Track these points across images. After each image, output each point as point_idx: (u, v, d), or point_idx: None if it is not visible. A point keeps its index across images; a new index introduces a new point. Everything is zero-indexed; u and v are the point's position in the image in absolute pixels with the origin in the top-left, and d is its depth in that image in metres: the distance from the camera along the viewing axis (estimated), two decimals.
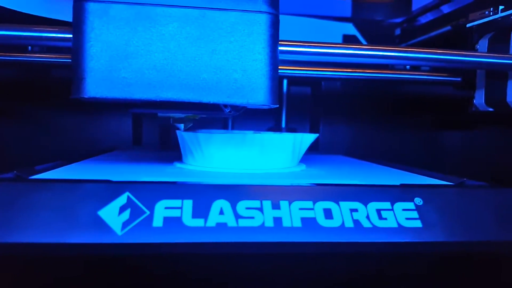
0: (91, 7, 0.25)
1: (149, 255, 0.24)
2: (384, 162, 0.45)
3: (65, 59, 0.45)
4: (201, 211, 0.25)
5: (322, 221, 0.25)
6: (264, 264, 0.25)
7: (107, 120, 0.58)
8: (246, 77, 0.27)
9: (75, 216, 0.24)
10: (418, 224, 0.26)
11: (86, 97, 0.26)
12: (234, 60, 0.26)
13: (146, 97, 0.26)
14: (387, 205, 0.26)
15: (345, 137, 0.62)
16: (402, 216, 0.26)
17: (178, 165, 0.38)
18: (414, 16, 0.58)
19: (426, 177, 0.35)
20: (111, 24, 0.26)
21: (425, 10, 0.55)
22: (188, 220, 0.24)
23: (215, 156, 0.36)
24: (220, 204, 0.25)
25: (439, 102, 0.56)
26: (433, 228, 0.26)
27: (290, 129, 0.61)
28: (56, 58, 0.45)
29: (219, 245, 0.23)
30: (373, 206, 0.26)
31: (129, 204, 0.25)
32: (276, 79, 0.27)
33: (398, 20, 0.60)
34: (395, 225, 0.25)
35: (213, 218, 0.24)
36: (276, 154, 0.37)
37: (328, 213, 0.25)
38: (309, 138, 0.39)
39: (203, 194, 0.25)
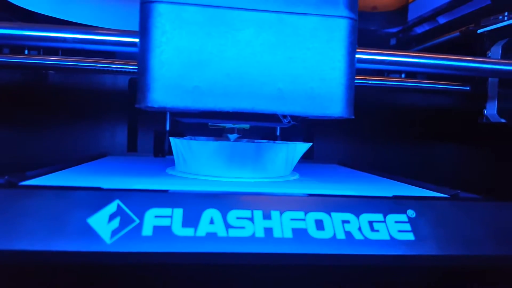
0: (162, 8, 0.23)
1: (138, 265, 0.24)
2: (377, 172, 0.45)
3: (63, 61, 0.45)
4: (191, 220, 0.24)
5: (314, 232, 0.25)
6: (254, 275, 0.25)
7: (102, 126, 0.58)
8: (324, 87, 0.24)
9: (64, 224, 0.24)
10: (410, 236, 0.25)
11: (154, 106, 0.24)
12: (312, 68, 0.24)
13: (219, 108, 0.24)
14: (379, 217, 0.26)
15: (339, 146, 0.62)
16: (395, 228, 0.26)
17: (170, 172, 0.38)
18: (410, 26, 0.58)
19: (419, 188, 0.35)
20: (184, 28, 0.23)
21: (421, 20, 0.55)
22: (178, 229, 0.24)
23: (208, 164, 0.36)
24: (211, 213, 0.25)
25: (441, 113, 0.55)
26: (425, 241, 0.25)
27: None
28: (55, 60, 0.45)
29: (209, 256, 0.23)
30: (365, 217, 0.26)
31: (119, 212, 0.24)
32: (353, 89, 0.25)
33: (394, 30, 0.60)
34: (387, 238, 0.25)
35: (203, 228, 0.24)
36: (269, 163, 0.37)
37: (319, 224, 0.25)
38: (302, 147, 0.39)
39: (193, 203, 0.25)
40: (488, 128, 0.42)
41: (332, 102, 0.25)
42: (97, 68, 0.45)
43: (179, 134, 0.60)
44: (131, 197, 0.25)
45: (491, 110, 0.38)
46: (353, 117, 0.26)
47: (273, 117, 0.29)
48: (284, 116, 0.29)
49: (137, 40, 0.25)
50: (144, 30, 0.23)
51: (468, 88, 0.42)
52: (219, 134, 0.42)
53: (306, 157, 0.43)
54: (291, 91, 0.24)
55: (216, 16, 0.23)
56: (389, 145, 0.61)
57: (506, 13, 0.35)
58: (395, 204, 0.27)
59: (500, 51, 0.37)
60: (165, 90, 0.23)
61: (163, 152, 0.58)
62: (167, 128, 0.59)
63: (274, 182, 0.35)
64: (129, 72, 0.51)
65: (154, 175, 0.36)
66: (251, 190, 0.30)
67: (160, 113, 0.59)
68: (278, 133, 0.63)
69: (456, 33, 0.43)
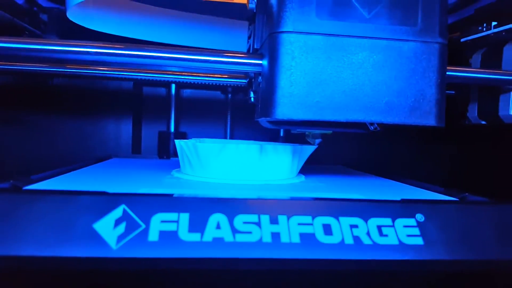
0: (293, 38, 0.28)
1: (144, 270, 0.23)
2: (384, 174, 0.45)
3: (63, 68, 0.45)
4: (197, 225, 0.24)
5: (322, 237, 0.24)
6: (261, 281, 0.24)
7: (106, 128, 0.58)
8: (423, 101, 0.29)
9: (70, 229, 0.23)
10: (419, 241, 0.25)
11: (284, 119, 0.28)
12: (413, 85, 0.29)
13: (335, 119, 0.29)
14: (388, 221, 0.26)
15: (345, 147, 0.61)
16: (403, 233, 0.25)
17: (176, 174, 0.38)
18: None
19: (426, 191, 0.35)
20: (310, 54, 0.28)
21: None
22: (185, 234, 0.24)
23: (213, 167, 0.35)
24: (217, 218, 0.24)
25: None
26: (435, 246, 0.25)
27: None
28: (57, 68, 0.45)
29: (216, 261, 0.23)
30: (374, 222, 0.25)
31: (124, 217, 0.24)
32: (444, 102, 0.30)
33: None
34: (396, 242, 0.25)
35: (210, 233, 0.24)
36: (275, 165, 0.36)
37: (327, 229, 0.25)
38: (308, 149, 0.39)
39: (200, 208, 0.25)
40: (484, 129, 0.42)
41: (429, 113, 0.29)
42: (102, 75, 0.45)
43: (183, 135, 0.60)
44: (137, 202, 0.25)
45: (472, 112, 0.41)
46: (443, 125, 0.30)
47: (363, 125, 0.34)
48: (371, 124, 0.33)
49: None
50: (274, 55, 0.28)
51: (452, 92, 0.44)
52: (301, 139, 0.44)
53: (311, 159, 0.43)
54: (396, 104, 0.29)
55: (336, 43, 0.28)
56: (392, 145, 0.61)
57: (484, 24, 0.38)
58: (403, 208, 0.27)
59: (480, 59, 0.40)
60: (292, 105, 0.28)
61: (168, 153, 0.58)
62: (172, 130, 0.59)
63: (280, 184, 0.35)
64: (132, 79, 0.51)
65: (160, 178, 0.35)
66: (257, 193, 0.30)
67: (164, 115, 0.59)
68: (281, 134, 0.62)
69: None
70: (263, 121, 0.35)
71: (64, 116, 0.57)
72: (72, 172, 0.38)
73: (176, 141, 0.37)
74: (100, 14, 0.42)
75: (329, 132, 0.39)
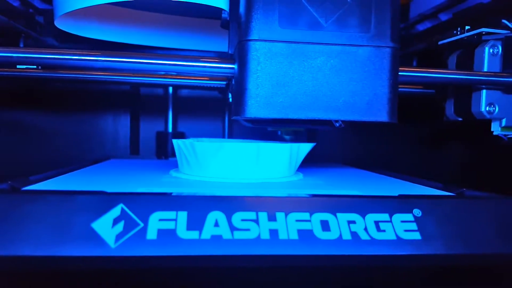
0: (258, 45, 0.30)
1: (143, 269, 0.23)
2: (381, 170, 0.45)
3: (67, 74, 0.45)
4: (195, 223, 0.24)
5: (319, 233, 0.24)
6: (260, 277, 0.24)
7: (104, 128, 0.58)
8: (376, 100, 0.32)
9: (68, 229, 0.23)
10: (417, 236, 0.25)
11: (250, 117, 0.31)
12: (367, 86, 0.32)
13: (297, 117, 0.31)
14: (385, 216, 0.26)
15: (342, 145, 0.62)
16: (401, 228, 0.25)
17: (174, 174, 0.38)
18: (412, 24, 0.57)
19: (423, 187, 0.35)
20: (274, 59, 0.31)
21: (423, 17, 0.55)
22: (183, 232, 0.24)
23: (211, 166, 0.36)
24: (215, 215, 0.25)
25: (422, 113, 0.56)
26: (432, 241, 0.25)
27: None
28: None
29: (214, 258, 0.23)
30: (371, 217, 0.26)
31: (123, 216, 0.24)
32: (396, 101, 0.33)
33: None
34: (394, 237, 0.25)
35: (208, 230, 0.24)
36: (273, 164, 0.36)
37: (325, 225, 0.25)
38: (306, 147, 0.39)
39: (197, 206, 0.25)
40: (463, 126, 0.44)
41: (381, 111, 0.32)
42: (93, 79, 0.46)
43: (181, 135, 0.60)
44: (135, 200, 0.25)
45: (449, 110, 0.44)
46: (396, 121, 0.33)
47: (329, 122, 0.37)
48: (336, 121, 0.36)
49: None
50: (242, 61, 0.31)
51: (433, 91, 0.47)
52: (275, 136, 0.46)
53: (310, 157, 0.43)
54: (352, 103, 0.32)
55: (296, 49, 0.31)
56: (391, 143, 0.61)
57: (459, 28, 0.41)
58: (401, 204, 0.27)
59: (455, 61, 0.43)
60: (258, 105, 0.31)
61: (166, 154, 0.58)
62: (170, 130, 0.59)
63: (278, 182, 0.35)
64: (127, 82, 0.52)
65: (158, 178, 0.36)
66: (255, 191, 0.30)
67: (162, 115, 0.59)
68: (279, 132, 0.63)
69: (423, 44, 0.49)
70: (241, 121, 0.38)
71: (61, 117, 0.57)
72: (70, 173, 0.38)
73: (174, 141, 0.37)
74: (87, 21, 0.43)
75: (301, 129, 0.42)
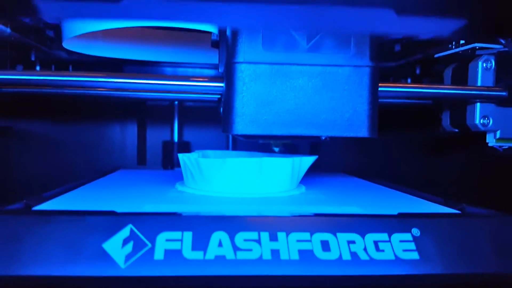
0: (243, 67, 0.33)
1: None
2: (383, 182, 0.46)
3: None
4: (200, 243, 0.25)
5: (320, 253, 0.25)
6: None
7: (112, 137, 0.59)
8: (356, 117, 0.34)
9: (80, 249, 0.25)
10: (415, 256, 0.26)
11: (237, 134, 0.34)
12: (347, 103, 0.33)
13: (281, 133, 0.33)
14: (384, 236, 0.27)
15: (345, 153, 0.62)
16: (399, 248, 0.26)
17: (179, 188, 0.39)
18: None
19: (425, 201, 0.36)
20: (258, 80, 0.33)
21: None
22: (188, 252, 0.25)
23: (215, 181, 0.37)
24: (219, 236, 0.26)
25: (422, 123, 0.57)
26: (430, 260, 0.26)
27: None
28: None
29: (218, 279, 0.24)
30: (371, 237, 0.26)
31: (132, 236, 0.25)
32: (376, 117, 0.34)
33: (399, 36, 0.60)
34: (392, 257, 0.26)
35: (212, 251, 0.25)
36: (275, 178, 0.37)
37: (325, 245, 0.26)
38: (307, 161, 0.40)
39: (202, 226, 0.26)
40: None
41: (361, 127, 0.34)
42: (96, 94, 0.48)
43: (186, 145, 0.61)
44: (143, 221, 0.26)
45: (445, 121, 0.45)
46: (376, 137, 0.35)
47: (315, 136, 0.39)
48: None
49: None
50: (230, 81, 0.33)
51: (430, 102, 0.48)
52: (266, 148, 0.47)
53: (314, 165, 0.44)
54: (333, 120, 0.33)
55: (280, 70, 0.33)
56: (394, 150, 0.61)
57: (453, 42, 0.42)
58: (399, 223, 0.28)
59: (450, 74, 0.45)
60: (244, 123, 0.33)
61: (172, 163, 0.59)
62: (175, 140, 0.61)
63: (281, 197, 0.36)
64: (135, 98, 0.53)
65: (164, 192, 0.37)
66: (258, 207, 0.31)
67: (168, 124, 0.60)
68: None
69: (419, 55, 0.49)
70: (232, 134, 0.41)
71: (70, 126, 0.58)
72: (82, 187, 0.39)
73: (180, 155, 0.38)
74: (93, 40, 0.45)
75: (288, 141, 0.44)
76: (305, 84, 0.33)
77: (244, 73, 0.33)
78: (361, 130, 0.34)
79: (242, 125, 0.33)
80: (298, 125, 0.33)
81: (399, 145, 0.61)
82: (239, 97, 0.33)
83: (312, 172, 0.43)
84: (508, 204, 0.33)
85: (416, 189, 0.41)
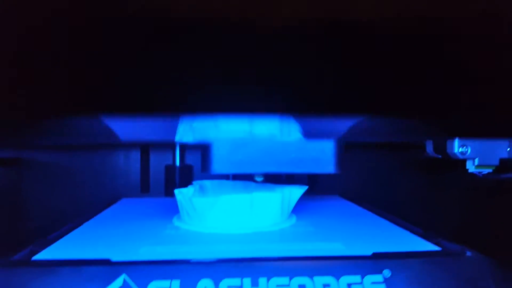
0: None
1: None
2: (374, 208, 0.48)
3: None
4: None
5: None
6: None
7: (116, 166, 0.62)
8: (322, 156, 0.38)
9: None
10: None
11: (215, 173, 0.38)
12: (316, 145, 0.38)
13: (253, 172, 0.38)
14: (357, 278, 0.29)
15: (342, 174, 0.64)
16: None
17: (176, 223, 0.42)
18: None
19: (405, 232, 0.38)
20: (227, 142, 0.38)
21: None
22: None
23: (209, 218, 0.39)
24: (205, 283, 0.28)
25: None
26: None
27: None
28: None
29: None
30: (345, 280, 0.29)
31: (125, 286, 0.28)
32: (342, 153, 0.38)
33: None
34: None
35: None
36: (266, 213, 0.40)
37: None
38: (297, 192, 0.42)
39: (189, 274, 0.28)
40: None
41: (328, 165, 0.38)
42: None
43: (189, 168, 0.64)
44: (135, 270, 0.28)
45: (429, 147, 0.47)
46: (340, 171, 0.38)
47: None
48: None
49: None
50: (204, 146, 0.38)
51: None
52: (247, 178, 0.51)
53: (309, 189, 0.47)
54: (301, 159, 0.38)
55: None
56: (389, 171, 0.63)
57: None
58: (373, 264, 0.30)
59: None
60: (221, 164, 0.37)
61: (174, 188, 0.62)
62: (177, 164, 0.63)
63: (270, 232, 0.38)
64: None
65: (161, 230, 0.39)
66: (246, 246, 0.33)
67: (171, 150, 0.63)
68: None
69: None
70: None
71: (74, 153, 0.61)
72: (84, 224, 0.42)
73: (176, 194, 0.41)
74: None
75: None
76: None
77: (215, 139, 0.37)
78: (328, 167, 0.38)
79: (219, 165, 0.37)
80: (269, 164, 0.37)
81: (391, 166, 0.63)
82: (216, 148, 0.37)
83: (307, 195, 0.45)
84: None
85: (405, 208, 0.44)
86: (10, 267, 0.29)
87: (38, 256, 0.32)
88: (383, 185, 0.63)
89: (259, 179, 0.46)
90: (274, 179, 0.51)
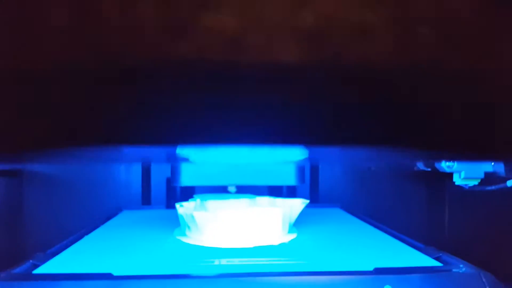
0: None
1: None
2: (374, 222, 0.48)
3: None
4: None
5: None
6: None
7: (118, 178, 0.62)
8: (286, 171, 0.41)
9: None
10: None
11: (184, 185, 0.42)
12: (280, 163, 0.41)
13: (221, 184, 0.43)
14: None
15: (342, 186, 0.65)
16: None
17: (177, 236, 0.42)
18: None
19: (406, 247, 0.38)
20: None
21: None
22: None
23: (209, 232, 0.39)
24: None
25: None
26: None
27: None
28: None
29: None
30: None
31: None
32: (303, 170, 0.43)
33: None
34: None
35: None
36: (266, 228, 0.40)
37: None
38: (297, 208, 0.42)
39: None
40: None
41: (290, 177, 0.43)
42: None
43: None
44: (137, 285, 0.28)
45: (419, 163, 0.50)
46: (302, 183, 0.44)
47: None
48: None
49: None
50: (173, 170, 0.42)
51: None
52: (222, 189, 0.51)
53: (311, 201, 0.47)
54: (265, 171, 0.41)
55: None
56: (386, 183, 0.64)
57: None
58: (374, 279, 0.30)
59: None
60: (189, 177, 0.41)
61: (175, 200, 0.62)
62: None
63: (269, 247, 0.38)
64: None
65: (161, 243, 0.39)
66: (248, 260, 0.33)
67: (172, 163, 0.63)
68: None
69: None
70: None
71: (78, 169, 0.62)
72: (85, 237, 0.42)
73: (177, 208, 0.41)
74: None
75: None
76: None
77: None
78: (290, 179, 0.41)
79: (187, 178, 0.40)
80: (236, 177, 0.40)
81: (390, 179, 0.63)
82: (180, 170, 0.40)
83: (308, 207, 0.45)
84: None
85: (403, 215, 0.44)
86: (11, 281, 0.29)
87: (39, 270, 0.32)
88: (378, 195, 0.64)
89: (232, 190, 0.47)
90: (276, 191, 0.52)
